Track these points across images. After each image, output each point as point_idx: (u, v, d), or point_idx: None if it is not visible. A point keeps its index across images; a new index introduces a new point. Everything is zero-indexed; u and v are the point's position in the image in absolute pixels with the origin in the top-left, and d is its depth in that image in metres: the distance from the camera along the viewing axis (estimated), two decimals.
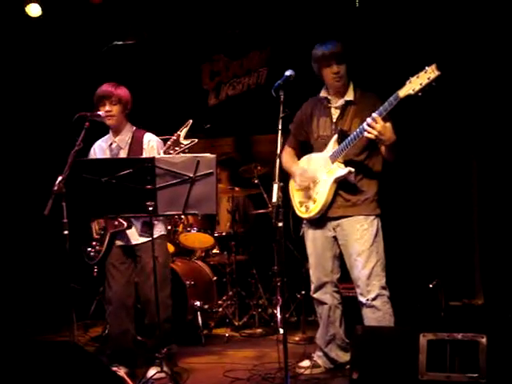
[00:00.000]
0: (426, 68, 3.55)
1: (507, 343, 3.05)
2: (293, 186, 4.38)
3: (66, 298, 3.93)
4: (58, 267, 4.70)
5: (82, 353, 3.37)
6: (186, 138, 4.07)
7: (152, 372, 4.14)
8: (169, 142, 4.11)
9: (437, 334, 3.11)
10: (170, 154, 3.99)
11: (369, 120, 3.75)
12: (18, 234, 6.39)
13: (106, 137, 4.57)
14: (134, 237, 4.42)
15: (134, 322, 4.48)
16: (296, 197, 4.34)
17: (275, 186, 3.55)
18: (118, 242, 4.43)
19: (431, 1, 5.67)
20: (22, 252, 6.37)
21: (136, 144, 4.45)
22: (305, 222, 4.34)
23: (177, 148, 4.03)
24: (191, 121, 4.12)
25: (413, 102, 3.71)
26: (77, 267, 4.62)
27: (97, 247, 4.40)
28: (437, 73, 3.51)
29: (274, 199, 3.52)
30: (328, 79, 4.13)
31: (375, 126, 3.73)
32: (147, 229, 4.30)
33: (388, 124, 3.78)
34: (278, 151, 3.64)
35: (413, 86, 3.59)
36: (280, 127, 3.67)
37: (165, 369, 4.04)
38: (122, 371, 4.24)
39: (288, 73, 3.78)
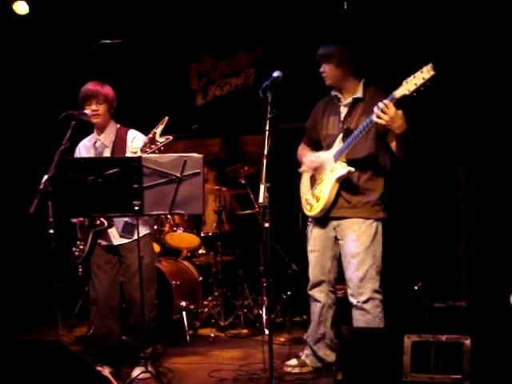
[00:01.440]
0: (423, 68, 3.54)
1: (491, 345, 3.07)
2: (302, 185, 4.41)
3: (51, 297, 3.91)
4: (43, 266, 4.67)
5: (67, 352, 3.36)
6: (162, 135, 4.02)
7: (137, 372, 4.12)
8: (145, 140, 4.08)
9: (421, 336, 3.12)
10: (146, 151, 3.96)
11: (380, 105, 3.68)
12: (3, 232, 6.35)
13: (90, 136, 4.55)
14: (117, 237, 4.41)
15: (119, 323, 4.47)
16: (304, 195, 4.38)
17: (262, 187, 3.57)
18: (102, 242, 4.42)
19: (414, 9, 5.71)
20: (7, 250, 6.32)
21: (120, 141, 4.43)
22: (310, 219, 4.38)
23: (153, 146, 3.98)
24: (167, 117, 4.07)
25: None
26: (62, 266, 4.60)
27: (81, 246, 4.37)
28: (432, 73, 3.50)
29: (261, 200, 3.54)
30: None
31: (387, 110, 3.66)
32: (130, 229, 4.32)
33: (400, 111, 3.70)
34: (265, 152, 3.65)
35: (408, 86, 3.58)
36: (267, 128, 3.69)
37: (149, 369, 4.04)
38: (106, 371, 4.23)
39: (276, 74, 3.80)
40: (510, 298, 4.78)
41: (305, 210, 4.35)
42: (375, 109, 3.72)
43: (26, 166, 6.25)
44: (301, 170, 4.40)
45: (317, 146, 4.38)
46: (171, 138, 4.04)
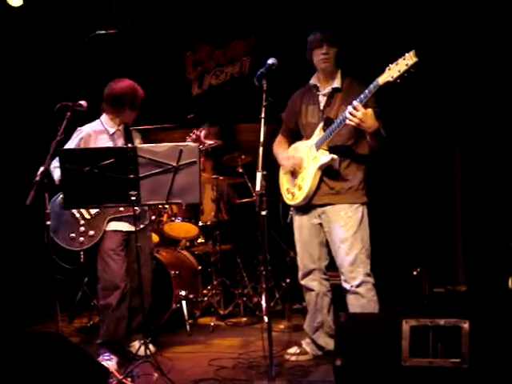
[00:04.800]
0: (405, 54, 3.58)
1: (489, 328, 3.08)
2: (281, 174, 4.41)
3: (50, 288, 3.91)
4: (41, 258, 4.67)
5: (66, 344, 3.37)
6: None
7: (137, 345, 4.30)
8: (189, 140, 4.40)
9: (419, 320, 3.13)
10: None
11: (350, 108, 3.77)
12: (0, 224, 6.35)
13: (98, 124, 4.55)
14: (139, 222, 4.48)
15: (128, 309, 4.47)
16: (284, 184, 4.38)
17: (258, 175, 3.58)
18: (123, 228, 4.45)
19: None
20: (5, 243, 6.32)
21: (127, 133, 4.59)
22: (292, 208, 4.38)
23: (200, 146, 4.31)
24: (208, 122, 4.62)
25: (395, 90, 3.73)
26: (61, 257, 4.60)
27: (90, 232, 4.38)
28: (414, 59, 3.54)
29: (258, 188, 3.56)
30: (316, 61, 4.16)
31: (356, 113, 3.75)
32: (144, 215, 4.61)
33: (369, 111, 3.78)
34: (261, 140, 3.66)
35: (391, 72, 3.62)
36: (263, 116, 3.69)
37: (149, 358, 4.02)
38: (114, 360, 4.30)
39: (270, 61, 3.81)
40: (508, 282, 4.79)
41: (286, 199, 4.35)
42: (346, 113, 3.79)
43: (21, 158, 6.23)
44: (283, 172, 4.40)
45: (295, 136, 4.40)
46: (220, 142, 4.68)
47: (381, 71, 3.69)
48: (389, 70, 3.64)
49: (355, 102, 3.76)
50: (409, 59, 3.55)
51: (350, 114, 3.76)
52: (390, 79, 3.63)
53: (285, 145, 4.44)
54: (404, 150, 5.70)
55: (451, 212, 5.69)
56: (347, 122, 3.81)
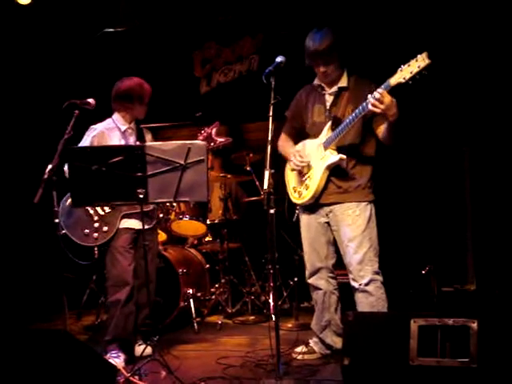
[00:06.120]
0: (417, 56, 3.50)
1: (498, 328, 3.06)
2: (288, 172, 4.39)
3: (59, 286, 3.91)
4: (50, 256, 4.68)
5: (74, 341, 3.37)
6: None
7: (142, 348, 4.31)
8: (200, 137, 4.39)
9: (428, 320, 3.11)
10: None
11: (377, 94, 3.63)
12: (8, 222, 6.36)
13: (110, 122, 4.57)
14: (148, 221, 4.52)
15: (135, 305, 4.49)
16: (290, 183, 4.36)
17: (266, 173, 3.57)
18: (133, 226, 4.46)
19: None
20: (13, 241, 6.34)
21: (137, 130, 4.65)
22: (298, 207, 4.36)
23: (212, 143, 4.40)
24: (218, 122, 4.50)
25: (407, 90, 3.69)
26: (75, 254, 4.60)
27: (104, 228, 4.39)
28: (427, 61, 3.46)
29: (266, 186, 3.55)
30: (317, 75, 4.15)
31: (383, 99, 3.62)
32: (152, 214, 4.66)
33: (394, 99, 3.67)
34: (270, 138, 3.66)
35: (403, 74, 3.55)
36: (271, 114, 3.68)
37: (157, 356, 4.02)
38: (121, 358, 4.29)
39: (279, 59, 3.80)
40: None
41: (292, 198, 4.32)
42: (370, 98, 3.68)
43: (29, 156, 6.25)
44: (290, 170, 4.37)
45: (298, 135, 4.36)
46: (231, 139, 4.60)
47: (393, 73, 3.61)
48: (401, 71, 3.56)
49: (380, 90, 3.63)
50: (421, 61, 3.47)
51: (378, 100, 3.63)
52: (402, 80, 3.55)
53: (289, 142, 4.41)
54: (415, 149, 5.69)
55: (461, 211, 5.66)
56: (370, 107, 3.68)
